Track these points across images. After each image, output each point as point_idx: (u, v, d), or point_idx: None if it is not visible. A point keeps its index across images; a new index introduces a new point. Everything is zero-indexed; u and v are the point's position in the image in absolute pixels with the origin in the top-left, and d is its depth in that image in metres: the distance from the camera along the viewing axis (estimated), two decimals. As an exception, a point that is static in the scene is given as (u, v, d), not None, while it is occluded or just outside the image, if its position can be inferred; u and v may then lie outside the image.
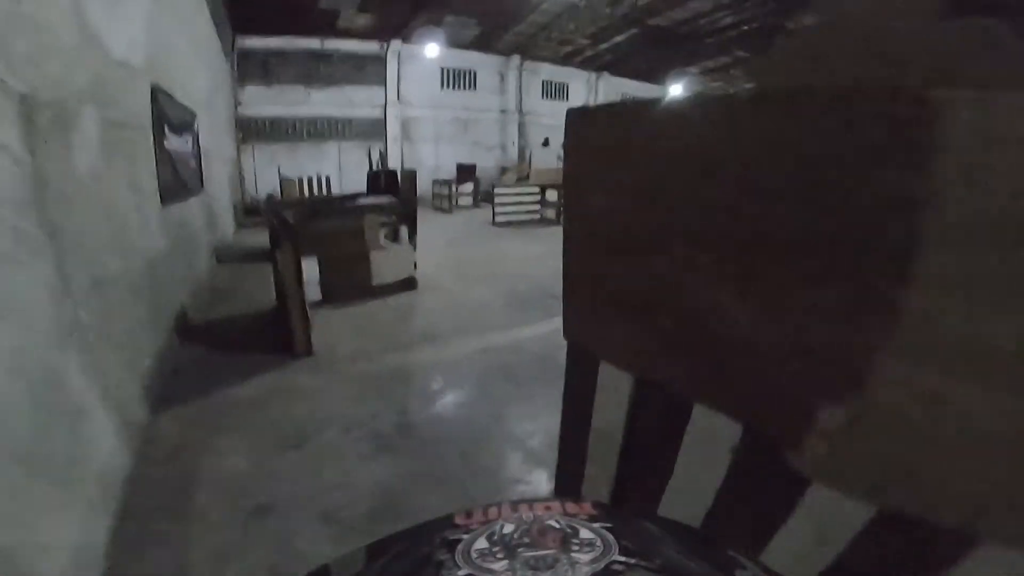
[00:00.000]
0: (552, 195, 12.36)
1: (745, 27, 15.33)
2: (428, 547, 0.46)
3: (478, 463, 2.70)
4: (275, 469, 2.55)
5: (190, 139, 5.78)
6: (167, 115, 4.56)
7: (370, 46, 15.70)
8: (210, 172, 7.46)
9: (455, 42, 16.42)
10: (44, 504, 1.66)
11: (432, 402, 3.37)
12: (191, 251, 5.53)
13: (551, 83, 20.22)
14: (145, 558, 1.91)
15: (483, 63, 18.07)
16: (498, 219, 11.78)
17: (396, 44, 15.85)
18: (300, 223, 4.85)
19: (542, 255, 8.58)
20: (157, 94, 4.24)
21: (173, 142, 4.74)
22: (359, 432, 2.92)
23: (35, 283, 1.88)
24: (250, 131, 14.23)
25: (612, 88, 21.83)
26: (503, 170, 18.20)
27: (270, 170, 14.01)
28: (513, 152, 19.33)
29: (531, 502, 0.51)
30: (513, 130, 19.33)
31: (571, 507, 0.50)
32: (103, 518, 1.99)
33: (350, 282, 5.46)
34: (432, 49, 15.95)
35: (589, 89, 21.26)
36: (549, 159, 17.52)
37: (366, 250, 5.55)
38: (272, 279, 4.59)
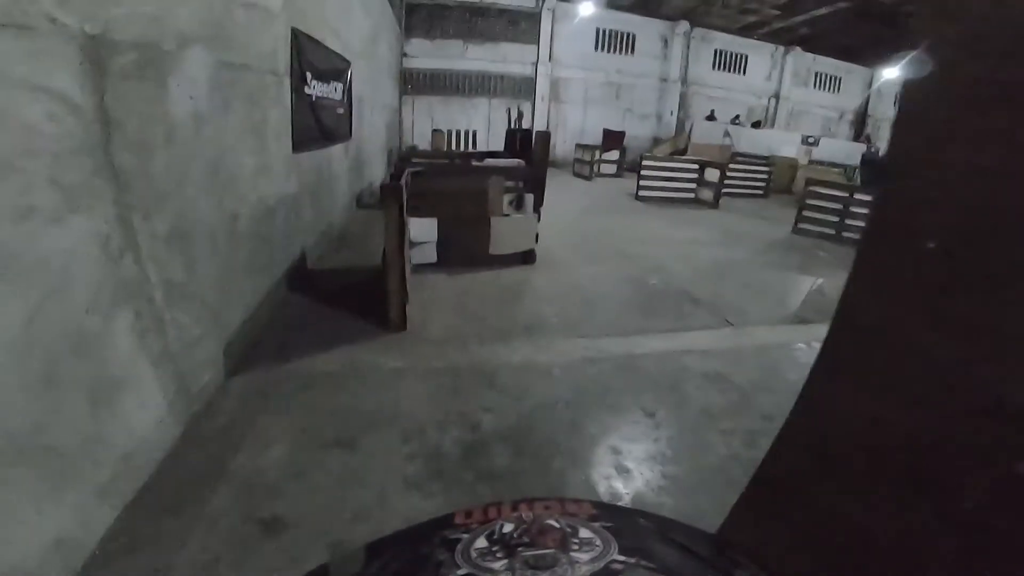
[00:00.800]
0: (712, 175, 10.73)
1: None
2: (428, 546, 0.46)
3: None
4: (309, 472, 2.17)
5: (340, 87, 5.72)
6: (310, 61, 4.42)
7: (525, 2, 15.19)
8: (362, 120, 7.65)
9: (613, 3, 15.25)
10: (24, 494, 1.43)
11: (512, 421, 2.75)
12: (326, 196, 5.57)
13: (725, 53, 17.74)
14: (124, 560, 1.65)
15: (643, 26, 16.58)
16: (642, 192, 10.56)
17: (551, 1, 15.13)
18: (417, 181, 4.51)
19: (688, 242, 7.39)
20: (299, 39, 4.06)
21: (317, 88, 4.67)
22: (417, 445, 2.43)
23: (79, 239, 1.62)
24: (413, 82, 14.72)
25: (803, 64, 18.51)
26: (656, 141, 16.68)
27: (426, 121, 14.46)
28: (671, 123, 17.49)
29: (531, 501, 0.52)
30: (673, 100, 17.47)
31: (571, 506, 0.51)
32: (106, 508, 1.73)
33: (467, 248, 5.06)
34: (587, 8, 14.91)
35: (774, 63, 18.27)
36: (714, 135, 15.47)
37: (487, 215, 5.08)
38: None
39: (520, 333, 3.86)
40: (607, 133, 15.66)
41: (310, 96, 4.51)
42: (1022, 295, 0.67)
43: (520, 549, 0.46)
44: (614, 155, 14.32)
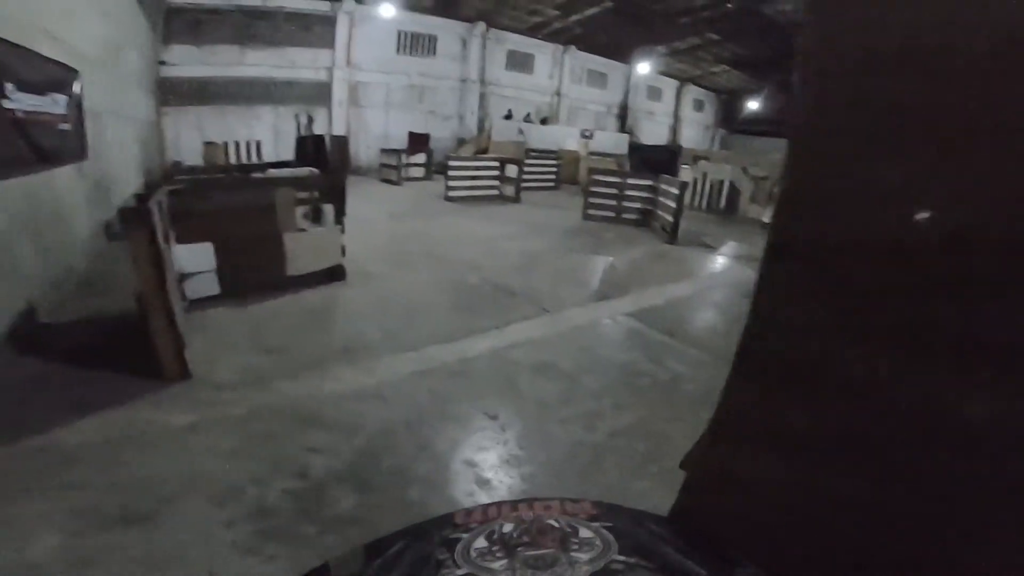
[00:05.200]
0: (512, 171, 11.49)
1: (720, 9, 15.01)
2: (428, 546, 0.45)
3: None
4: (104, 554, 1.75)
5: (61, 99, 4.76)
6: (9, 69, 3.66)
7: (319, 5, 14.38)
8: (103, 137, 6.44)
9: (414, 5, 15.27)
10: None
11: (349, 457, 2.51)
12: (53, 230, 4.40)
13: (516, 53, 19.07)
14: None
15: (444, 28, 16.91)
16: (451, 193, 10.84)
17: (349, 4, 14.57)
18: (181, 201, 3.80)
19: (498, 238, 7.74)
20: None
21: (23, 101, 3.88)
22: (236, 506, 2.09)
23: None
24: (176, 92, 12.68)
25: (578, 63, 20.93)
26: (460, 142, 17.19)
27: (194, 134, 12.62)
28: (472, 123, 18.20)
29: (531, 501, 0.53)
30: (473, 100, 18.19)
31: (570, 506, 0.52)
32: None
33: (258, 273, 4.47)
34: (387, 10, 14.70)
35: (555, 63, 20.26)
36: (510, 133, 16.54)
37: (278, 232, 4.56)
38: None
39: (338, 359, 3.56)
40: (412, 136, 15.62)
41: (13, 111, 3.71)
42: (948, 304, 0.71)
43: (520, 549, 0.46)
44: (421, 158, 14.31)
